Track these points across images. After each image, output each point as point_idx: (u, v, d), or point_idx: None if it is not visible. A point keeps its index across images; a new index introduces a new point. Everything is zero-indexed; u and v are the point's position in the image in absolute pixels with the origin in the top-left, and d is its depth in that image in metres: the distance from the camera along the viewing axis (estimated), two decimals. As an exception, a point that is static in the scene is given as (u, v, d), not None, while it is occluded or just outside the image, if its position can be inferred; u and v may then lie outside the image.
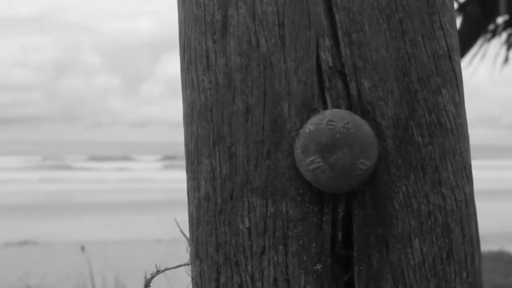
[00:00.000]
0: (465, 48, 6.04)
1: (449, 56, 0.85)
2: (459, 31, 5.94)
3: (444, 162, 0.84)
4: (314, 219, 0.84)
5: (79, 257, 5.95)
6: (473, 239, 0.85)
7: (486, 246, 10.85)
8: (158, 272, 1.03)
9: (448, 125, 0.84)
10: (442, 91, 0.84)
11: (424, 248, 0.84)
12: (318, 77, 0.84)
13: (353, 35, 0.84)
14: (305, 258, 0.83)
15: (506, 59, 6.74)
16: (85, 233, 10.88)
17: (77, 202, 16.66)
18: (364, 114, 0.84)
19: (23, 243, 9.91)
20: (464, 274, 0.84)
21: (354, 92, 0.84)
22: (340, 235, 0.84)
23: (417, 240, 0.84)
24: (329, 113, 0.82)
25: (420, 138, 0.84)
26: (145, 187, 21.68)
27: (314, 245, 0.83)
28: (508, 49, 6.64)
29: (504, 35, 6.55)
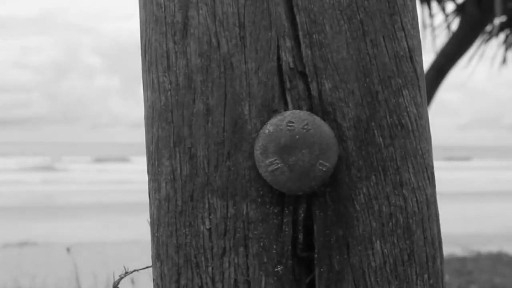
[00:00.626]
0: (462, 49, 6.03)
1: (410, 57, 0.84)
2: (457, 32, 5.94)
3: (405, 163, 0.84)
4: (275, 220, 0.83)
5: (78, 258, 5.96)
6: (434, 240, 0.85)
7: (485, 247, 10.90)
8: (126, 273, 1.03)
9: (409, 126, 0.84)
10: (403, 92, 0.84)
11: (385, 250, 0.83)
12: (279, 78, 0.84)
13: (314, 36, 0.84)
14: (265, 260, 0.83)
15: (504, 60, 6.73)
16: (84, 234, 10.88)
17: (76, 203, 16.67)
18: (325, 115, 0.83)
19: (22, 244, 9.92)
20: (426, 276, 0.84)
21: (315, 93, 0.83)
22: (301, 236, 0.84)
23: (378, 241, 0.83)
24: (289, 114, 0.82)
25: (381, 139, 0.84)
26: (145, 188, 21.64)
27: (274, 246, 0.83)
28: (506, 50, 6.63)
29: (502, 36, 6.55)
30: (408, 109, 0.84)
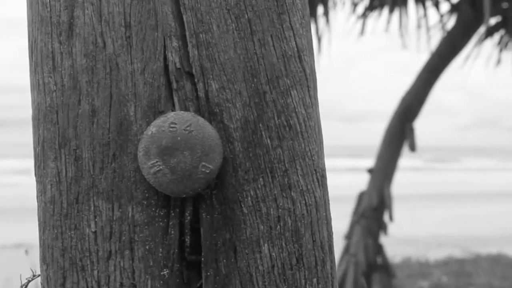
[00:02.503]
0: (456, 49, 5.99)
1: (299, 57, 0.83)
2: (451, 32, 5.90)
3: (294, 165, 0.82)
4: (161, 223, 0.82)
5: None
6: (324, 244, 0.83)
7: (484, 248, 10.84)
8: (34, 276, 1.01)
9: (298, 128, 0.82)
10: (292, 92, 0.82)
11: (273, 254, 0.82)
12: (165, 78, 0.82)
13: (201, 36, 0.82)
14: (151, 263, 0.82)
15: (499, 61, 6.69)
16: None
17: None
18: (212, 116, 0.82)
19: (18, 245, 9.94)
20: (315, 280, 0.82)
21: (201, 94, 0.82)
22: (188, 239, 0.83)
23: (266, 245, 0.82)
24: (172, 115, 0.80)
25: (269, 141, 0.82)
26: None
27: (160, 250, 0.82)
28: (500, 50, 6.59)
29: (496, 37, 6.50)
30: (297, 110, 0.82)
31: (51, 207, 0.84)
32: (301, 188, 0.82)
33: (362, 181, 6.11)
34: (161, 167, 0.80)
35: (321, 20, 6.17)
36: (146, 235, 0.82)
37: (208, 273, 0.82)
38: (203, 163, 0.80)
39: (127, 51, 0.82)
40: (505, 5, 6.18)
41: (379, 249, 6.10)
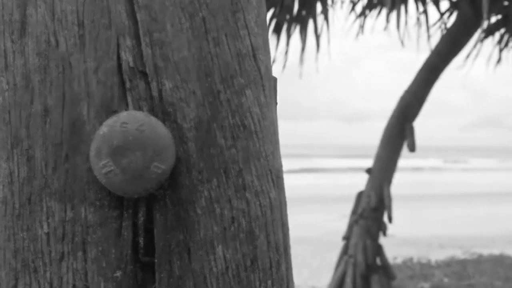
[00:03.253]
0: (456, 47, 5.95)
1: (254, 56, 0.82)
2: (450, 31, 5.87)
3: (248, 165, 0.81)
4: (114, 224, 0.81)
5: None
6: (279, 245, 0.82)
7: (487, 249, 10.78)
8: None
9: (252, 127, 0.81)
10: (246, 92, 0.81)
11: (228, 255, 0.81)
12: (119, 78, 0.81)
13: (154, 35, 0.81)
14: (104, 265, 0.81)
15: (499, 60, 6.65)
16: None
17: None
18: (165, 115, 0.81)
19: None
20: (269, 282, 0.81)
21: (155, 93, 0.81)
22: (141, 241, 0.82)
23: (220, 246, 0.81)
24: (125, 115, 0.79)
25: (223, 141, 0.81)
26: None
27: (113, 251, 0.81)
28: (500, 49, 6.55)
29: (497, 35, 6.46)
30: (251, 110, 0.81)
31: (3, 207, 0.83)
32: (255, 189, 0.81)
33: (364, 181, 6.08)
34: (112, 167, 0.78)
35: (320, 18, 6.15)
36: (99, 236, 0.81)
37: (162, 275, 0.81)
38: (155, 163, 0.79)
39: (80, 50, 0.81)
40: (505, 3, 6.13)
41: (378, 250, 6.08)
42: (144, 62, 0.81)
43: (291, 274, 0.83)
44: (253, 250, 0.81)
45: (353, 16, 6.47)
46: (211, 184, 0.81)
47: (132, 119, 0.79)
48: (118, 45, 0.81)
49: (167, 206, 0.81)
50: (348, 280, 5.88)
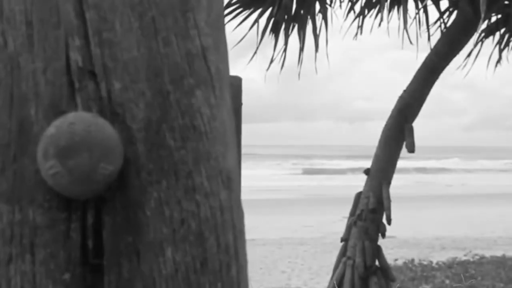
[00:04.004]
0: (455, 47, 5.90)
1: (204, 56, 0.81)
2: (449, 29, 5.83)
3: (198, 167, 0.80)
4: (62, 226, 0.80)
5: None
6: (229, 248, 0.81)
7: (489, 251, 10.74)
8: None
9: (202, 128, 0.80)
10: (196, 92, 0.80)
11: (177, 257, 0.80)
12: (68, 78, 0.80)
13: (103, 34, 0.80)
14: (52, 267, 0.80)
15: (499, 60, 6.61)
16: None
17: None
18: (114, 116, 0.80)
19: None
20: (219, 284, 0.80)
21: (104, 93, 0.80)
22: (90, 243, 0.81)
23: (169, 249, 0.80)
24: (72, 115, 0.78)
25: (172, 142, 0.80)
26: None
27: (62, 253, 0.80)
28: (500, 49, 6.51)
29: (497, 35, 6.42)
30: (201, 110, 0.80)
31: (-49, 209, 0.82)
32: (205, 190, 0.80)
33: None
34: (59, 168, 0.78)
35: (319, 18, 6.14)
36: (47, 238, 0.80)
37: (111, 277, 0.80)
38: (102, 164, 0.78)
39: (28, 50, 0.80)
40: (504, 3, 6.09)
41: (377, 252, 6.05)
42: (93, 62, 0.80)
43: (244, 276, 0.82)
44: (203, 252, 0.80)
45: (353, 16, 6.41)
46: (161, 186, 0.80)
47: (80, 120, 0.78)
48: (67, 45, 0.80)
49: (116, 208, 0.80)
50: (347, 282, 5.85)
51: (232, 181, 0.82)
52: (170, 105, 0.80)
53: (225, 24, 0.90)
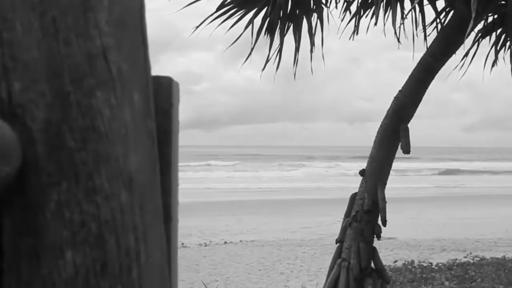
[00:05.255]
0: (451, 47, 5.86)
1: (105, 56, 0.80)
2: (444, 29, 5.79)
3: (98, 168, 0.79)
4: (-39, 228, 0.79)
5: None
6: (130, 250, 0.80)
7: (489, 253, 10.69)
8: None
9: (102, 129, 0.79)
10: (97, 93, 0.79)
11: (77, 260, 0.79)
12: None
13: (3, 34, 0.79)
14: None
15: (496, 60, 6.57)
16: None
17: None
18: (14, 117, 0.79)
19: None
20: (119, 287, 0.79)
21: (4, 94, 0.79)
22: (-10, 245, 0.80)
23: (69, 251, 0.79)
24: None
25: (73, 143, 0.79)
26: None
27: None
28: (497, 49, 6.46)
29: (494, 35, 6.38)
30: (102, 111, 0.79)
31: None
32: (105, 192, 0.79)
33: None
34: (-46, 170, 0.77)
35: (314, 17, 6.12)
36: None
37: (10, 280, 0.79)
38: (-1, 166, 0.77)
39: None
40: (500, 3, 6.05)
41: (372, 253, 6.01)
42: (-7, 63, 0.79)
43: (145, 280, 0.81)
44: (103, 255, 0.79)
45: (352, 16, 6.39)
46: (61, 188, 0.79)
47: (-24, 121, 0.77)
48: (-32, 46, 0.80)
49: (15, 210, 0.79)
50: (342, 284, 5.82)
51: (134, 182, 0.81)
52: (70, 106, 0.79)
53: (146, 24, 0.89)
